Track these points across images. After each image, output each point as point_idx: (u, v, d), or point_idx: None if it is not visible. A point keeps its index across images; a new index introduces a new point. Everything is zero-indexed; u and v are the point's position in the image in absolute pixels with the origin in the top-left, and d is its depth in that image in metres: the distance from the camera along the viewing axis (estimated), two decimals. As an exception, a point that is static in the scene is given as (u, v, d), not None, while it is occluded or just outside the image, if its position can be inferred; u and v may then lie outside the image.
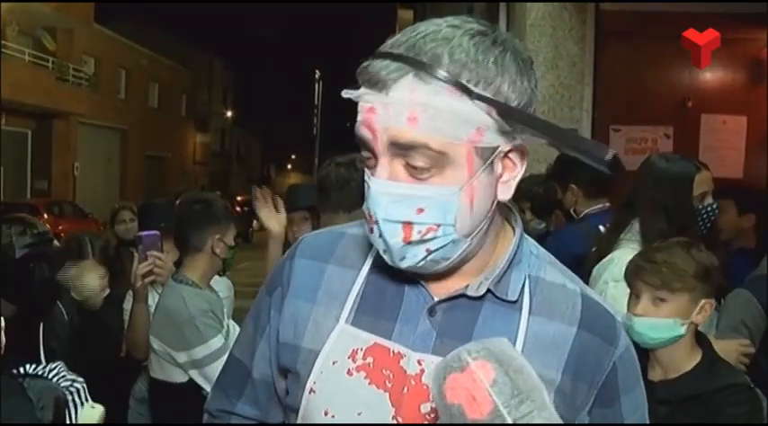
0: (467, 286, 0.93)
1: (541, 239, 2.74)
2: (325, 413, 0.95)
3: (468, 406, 0.74)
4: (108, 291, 2.99)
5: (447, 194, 0.85)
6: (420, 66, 0.83)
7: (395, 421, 0.93)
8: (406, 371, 0.92)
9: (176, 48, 35.66)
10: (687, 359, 1.72)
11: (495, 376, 0.75)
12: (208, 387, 2.27)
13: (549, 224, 3.50)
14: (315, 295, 1.02)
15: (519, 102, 0.86)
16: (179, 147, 35.73)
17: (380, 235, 0.88)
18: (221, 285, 2.72)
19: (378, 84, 0.85)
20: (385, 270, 0.97)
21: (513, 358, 0.78)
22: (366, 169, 0.91)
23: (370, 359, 0.94)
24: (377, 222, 0.88)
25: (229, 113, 45.89)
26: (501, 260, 0.95)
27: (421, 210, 0.86)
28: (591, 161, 0.80)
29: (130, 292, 2.79)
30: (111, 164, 27.73)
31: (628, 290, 1.89)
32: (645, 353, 1.71)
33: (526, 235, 1.01)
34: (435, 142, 0.83)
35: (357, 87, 0.88)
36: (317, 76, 27.59)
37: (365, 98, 0.87)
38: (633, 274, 1.77)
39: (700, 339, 1.77)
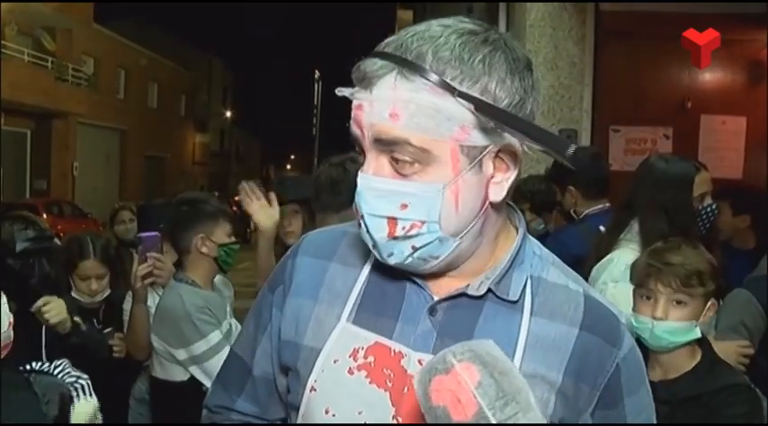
0: (467, 285, 0.93)
1: (541, 239, 2.74)
2: (326, 412, 0.96)
3: (453, 408, 0.74)
4: (109, 291, 2.99)
5: (430, 191, 0.86)
6: (403, 63, 0.84)
7: (395, 421, 0.93)
8: (406, 371, 0.92)
9: (176, 49, 35.65)
10: (687, 360, 1.72)
11: (479, 378, 0.75)
12: (208, 383, 2.28)
13: (548, 224, 3.50)
14: (317, 292, 1.02)
15: (510, 102, 0.86)
16: (178, 147, 35.73)
17: (367, 231, 0.90)
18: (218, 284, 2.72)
19: (364, 82, 0.87)
20: (387, 269, 0.97)
21: (499, 360, 0.77)
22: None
23: (371, 358, 0.94)
24: (363, 217, 0.89)
25: (229, 113, 45.87)
26: (502, 260, 0.94)
27: (405, 206, 0.86)
28: (555, 155, 0.81)
29: (130, 293, 2.79)
30: (110, 164, 27.72)
31: (628, 291, 1.89)
32: (644, 353, 1.70)
33: (530, 236, 1.01)
34: (416, 138, 0.84)
35: (353, 86, 0.90)
36: (316, 77, 27.58)
37: (355, 96, 0.88)
38: (646, 276, 1.73)
39: (699, 339, 1.77)
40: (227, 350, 2.30)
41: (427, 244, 0.88)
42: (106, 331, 2.92)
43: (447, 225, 0.87)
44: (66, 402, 1.49)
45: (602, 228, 2.53)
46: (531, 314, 0.93)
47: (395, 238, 0.88)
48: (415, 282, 0.96)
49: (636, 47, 4.36)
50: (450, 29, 0.86)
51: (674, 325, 1.68)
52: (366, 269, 1.01)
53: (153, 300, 2.64)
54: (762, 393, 1.76)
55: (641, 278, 1.75)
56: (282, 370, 1.05)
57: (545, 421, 0.78)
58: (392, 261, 0.90)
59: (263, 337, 1.09)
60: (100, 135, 26.47)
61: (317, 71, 27.66)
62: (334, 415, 0.95)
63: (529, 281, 0.95)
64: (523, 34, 4.13)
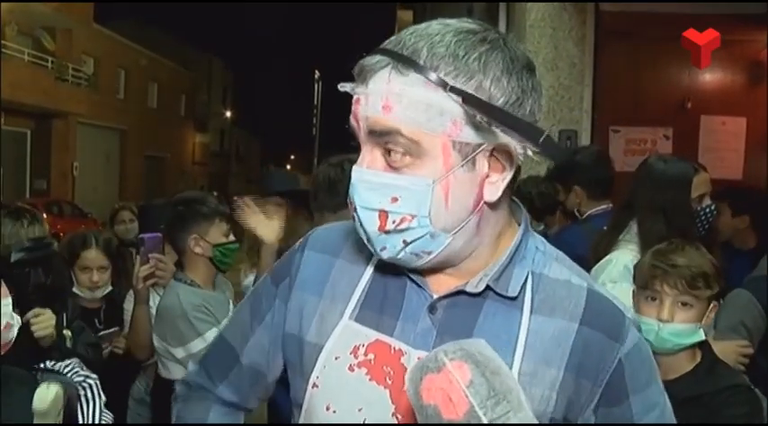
0: (466, 283, 0.93)
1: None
2: (327, 408, 0.96)
3: (444, 407, 0.75)
4: (110, 288, 3.00)
5: (420, 185, 0.86)
6: (398, 58, 0.86)
7: (394, 419, 0.93)
8: (406, 368, 0.92)
9: (176, 49, 35.64)
10: (687, 361, 1.72)
11: (471, 376, 0.75)
12: None
13: (548, 225, 3.49)
14: (322, 288, 1.03)
15: (506, 100, 0.86)
16: (178, 147, 35.72)
17: (360, 224, 0.90)
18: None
19: (362, 76, 0.89)
20: (389, 267, 0.98)
21: (490, 359, 0.77)
22: None
23: (371, 356, 0.95)
24: (356, 209, 0.90)
25: (228, 113, 45.87)
26: (502, 256, 0.94)
27: (395, 200, 0.87)
28: (528, 143, 0.82)
29: (131, 292, 2.80)
30: (110, 164, 27.72)
31: (627, 291, 1.89)
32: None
33: (533, 232, 1.01)
34: (407, 129, 0.85)
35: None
36: (316, 77, 27.58)
37: (355, 91, 0.90)
38: (652, 277, 1.72)
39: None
40: None
41: (418, 239, 0.88)
42: (110, 331, 2.91)
43: (437, 220, 0.88)
44: (72, 400, 1.49)
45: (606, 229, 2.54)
46: (532, 311, 0.93)
47: (386, 232, 0.88)
48: (414, 281, 0.96)
49: (636, 47, 4.36)
50: (449, 27, 0.87)
51: (679, 328, 1.67)
52: (370, 267, 1.01)
53: (153, 301, 2.65)
54: (761, 393, 1.76)
55: (646, 279, 1.73)
56: (285, 364, 1.07)
57: (536, 421, 0.78)
58: (385, 255, 0.91)
59: (258, 327, 1.09)
60: (100, 135, 26.47)
61: (317, 71, 27.66)
62: (334, 412, 0.96)
63: (530, 278, 0.95)
64: (523, 35, 4.13)
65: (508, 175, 0.90)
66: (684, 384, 1.68)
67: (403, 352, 0.94)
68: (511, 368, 0.88)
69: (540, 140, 0.80)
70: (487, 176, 0.89)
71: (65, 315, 2.66)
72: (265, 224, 2.48)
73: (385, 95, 0.86)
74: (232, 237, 2.50)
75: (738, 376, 1.78)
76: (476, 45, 0.86)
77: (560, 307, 0.93)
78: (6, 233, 2.42)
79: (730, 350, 2.04)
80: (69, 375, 1.57)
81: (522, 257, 0.96)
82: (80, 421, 1.54)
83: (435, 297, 0.95)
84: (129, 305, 2.88)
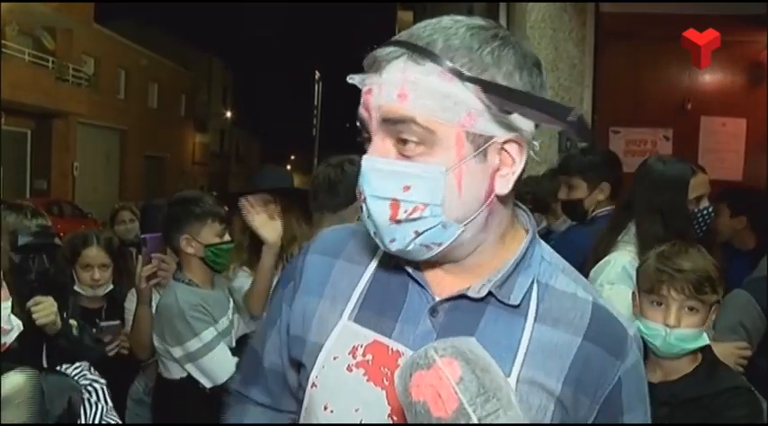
0: (469, 287, 0.93)
1: (545, 239, 2.71)
2: (325, 408, 0.97)
3: (433, 404, 0.74)
4: (111, 287, 3.00)
5: (433, 173, 0.86)
6: (414, 48, 0.86)
7: (390, 420, 0.93)
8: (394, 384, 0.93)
9: (176, 49, 35.62)
10: (688, 362, 1.71)
11: (461, 373, 0.74)
12: (204, 381, 2.30)
13: (549, 221, 3.47)
14: (323, 289, 1.03)
15: None
16: (178, 148, 35.70)
17: (369, 215, 0.89)
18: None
19: (374, 66, 0.89)
20: (391, 268, 0.98)
21: (480, 356, 0.77)
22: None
23: (369, 356, 0.95)
24: (365, 199, 0.89)
25: (229, 114, 45.84)
26: (507, 262, 0.94)
27: (407, 188, 0.86)
28: (560, 124, 0.80)
29: (132, 292, 2.81)
30: (110, 165, 27.71)
31: (624, 293, 1.89)
32: (644, 353, 1.70)
33: (542, 241, 1.00)
34: (422, 118, 0.85)
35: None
36: (316, 77, 27.57)
37: (365, 82, 0.90)
38: (658, 283, 1.70)
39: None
40: (221, 348, 2.34)
41: (430, 229, 0.88)
42: (111, 323, 2.91)
43: (450, 209, 0.87)
44: (75, 403, 1.50)
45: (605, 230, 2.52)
46: (535, 320, 0.92)
47: (397, 221, 0.87)
48: (417, 282, 0.96)
49: (636, 48, 4.36)
50: (461, 22, 0.88)
51: (686, 332, 1.67)
52: (371, 267, 1.02)
53: (154, 301, 2.65)
54: (760, 393, 1.76)
55: (652, 283, 1.72)
56: (293, 365, 1.07)
57: (525, 421, 0.77)
58: (394, 247, 0.90)
59: (272, 331, 1.12)
60: (100, 135, 26.46)
61: (317, 72, 27.63)
62: (332, 411, 0.96)
63: (535, 287, 0.94)
64: (523, 36, 4.13)
65: (518, 169, 0.90)
66: (685, 385, 1.68)
67: (400, 354, 0.93)
68: (510, 374, 0.88)
69: (570, 117, 0.77)
70: (498, 169, 0.90)
71: (66, 313, 2.67)
72: (268, 224, 2.47)
73: (400, 84, 0.86)
74: (227, 238, 2.49)
75: (739, 377, 1.78)
76: (489, 40, 0.87)
77: (564, 319, 0.92)
78: (11, 222, 2.43)
79: (729, 352, 2.04)
80: (77, 378, 1.57)
81: (527, 266, 0.95)
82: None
83: (437, 299, 0.94)
84: (130, 304, 2.88)
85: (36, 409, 1.41)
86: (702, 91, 4.43)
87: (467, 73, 0.85)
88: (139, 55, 29.70)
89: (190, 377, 2.33)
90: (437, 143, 0.86)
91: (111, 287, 3.01)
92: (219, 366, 2.29)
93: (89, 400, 1.55)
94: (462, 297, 0.93)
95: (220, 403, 2.26)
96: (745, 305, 2.30)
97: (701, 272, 1.67)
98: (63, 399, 1.47)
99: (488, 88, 0.84)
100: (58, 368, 1.58)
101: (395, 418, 0.92)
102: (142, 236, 2.71)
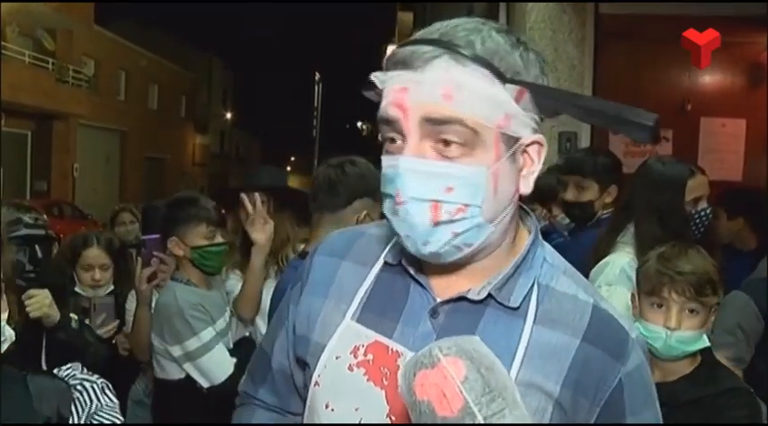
0: (469, 290, 0.93)
1: (547, 237, 2.69)
2: (326, 407, 0.98)
3: (438, 403, 0.74)
4: (112, 287, 3.01)
5: (476, 173, 0.86)
6: (455, 48, 0.85)
7: (389, 420, 0.93)
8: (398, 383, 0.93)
9: (176, 50, 35.64)
10: (686, 363, 1.71)
11: (466, 372, 0.74)
12: (202, 381, 2.30)
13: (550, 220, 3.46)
14: (328, 290, 1.04)
15: None
16: (178, 149, 35.71)
17: (407, 217, 0.87)
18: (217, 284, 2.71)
19: (411, 65, 0.87)
20: (395, 269, 0.98)
21: (485, 355, 0.77)
22: (386, 154, 0.91)
23: (370, 356, 0.96)
24: (404, 202, 0.87)
25: (229, 115, 45.86)
26: (508, 265, 0.94)
27: (450, 189, 0.86)
28: (632, 130, 0.80)
29: (132, 293, 2.81)
30: (110, 166, 27.71)
31: (623, 294, 1.88)
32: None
33: (544, 242, 1.00)
34: (470, 119, 0.85)
35: (368, 84, 0.92)
36: (316, 78, 27.58)
37: (396, 79, 0.88)
38: (659, 285, 1.69)
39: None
40: (219, 348, 2.34)
41: (468, 230, 0.88)
42: (108, 301, 2.91)
43: (487, 210, 0.88)
44: (64, 403, 1.49)
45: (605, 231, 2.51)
46: (534, 322, 0.92)
47: (437, 224, 0.87)
48: (419, 284, 0.96)
49: (635, 49, 4.36)
50: (487, 25, 0.89)
51: (686, 335, 1.66)
52: (376, 268, 1.02)
53: (153, 302, 2.65)
54: (758, 395, 1.75)
55: (653, 285, 1.71)
56: (300, 364, 1.08)
57: (530, 420, 0.77)
58: (427, 250, 0.88)
59: (280, 331, 1.13)
60: (100, 136, 26.46)
61: (317, 73, 27.64)
62: (333, 410, 0.97)
63: (536, 289, 0.94)
64: (517, 34, 4.13)
65: (537, 169, 0.92)
66: (684, 386, 1.68)
67: (400, 354, 0.94)
68: None
69: (651, 124, 0.78)
70: (521, 170, 0.91)
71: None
72: (260, 225, 2.46)
73: (445, 84, 0.85)
74: (218, 239, 2.47)
75: (738, 379, 1.78)
76: (516, 44, 0.89)
77: (564, 321, 0.92)
78: (10, 218, 2.43)
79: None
80: (67, 378, 1.57)
81: (528, 267, 0.95)
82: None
83: (438, 301, 0.95)
84: (130, 305, 2.89)
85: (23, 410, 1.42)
86: (702, 92, 4.42)
87: (505, 75, 0.86)
88: (140, 56, 29.71)
89: (188, 378, 2.33)
90: (479, 144, 0.86)
91: (112, 287, 3.01)
92: (218, 366, 2.29)
93: (79, 400, 1.54)
94: (463, 299, 0.93)
95: (218, 404, 2.27)
96: (743, 306, 2.30)
97: (702, 274, 1.67)
98: (51, 400, 1.47)
99: (534, 89, 0.87)
100: (58, 372, 1.58)
101: (393, 418, 0.93)
102: (142, 238, 2.72)
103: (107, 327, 2.79)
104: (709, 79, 4.42)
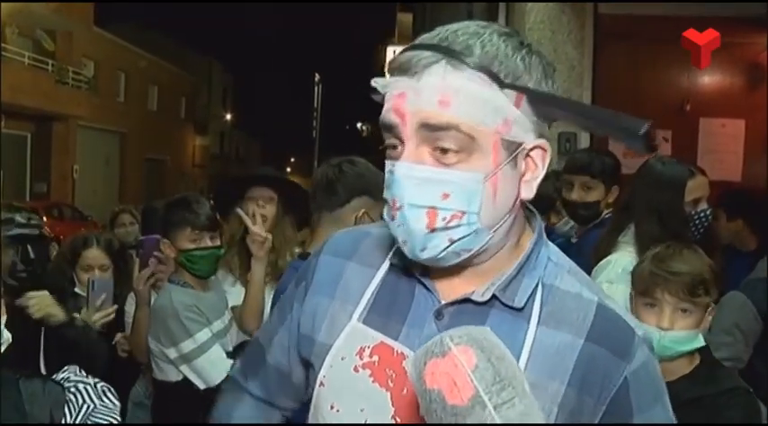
0: (473, 291, 0.93)
1: (566, 244, 2.68)
2: (331, 407, 0.98)
3: (449, 392, 0.73)
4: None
5: (472, 180, 0.86)
6: (453, 53, 0.85)
7: (393, 421, 0.93)
8: (407, 372, 0.93)
9: (176, 51, 35.66)
10: (685, 363, 1.71)
11: (476, 361, 0.74)
12: (198, 382, 2.30)
13: (551, 223, 3.46)
14: (334, 290, 1.04)
15: None
16: (178, 150, 35.72)
17: (403, 223, 0.88)
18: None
19: (409, 71, 0.87)
20: (400, 270, 0.99)
21: (496, 345, 0.77)
22: (388, 160, 0.91)
23: (375, 358, 0.96)
24: (401, 207, 0.88)
25: (229, 116, 45.89)
26: (512, 266, 0.94)
27: (446, 196, 0.86)
28: (624, 137, 0.80)
29: (132, 295, 2.80)
30: (110, 167, 27.71)
31: (623, 292, 1.88)
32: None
33: (549, 242, 1.00)
34: (465, 125, 0.85)
35: (368, 87, 0.92)
36: (316, 80, 27.60)
37: (395, 85, 0.88)
38: (653, 285, 1.70)
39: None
40: (215, 350, 2.33)
41: (465, 237, 0.88)
42: (109, 310, 2.90)
43: (485, 216, 0.87)
44: (57, 406, 1.50)
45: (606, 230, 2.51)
46: (539, 322, 0.91)
47: (433, 230, 0.87)
48: (424, 286, 0.97)
49: (635, 49, 4.37)
50: (489, 28, 0.88)
51: (680, 335, 1.66)
52: (382, 270, 1.02)
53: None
54: (758, 394, 1.75)
55: (646, 286, 1.72)
56: (304, 365, 1.08)
57: (539, 410, 0.77)
58: (425, 255, 0.89)
59: (281, 328, 1.13)
60: (100, 138, 26.47)
61: (316, 74, 27.64)
62: (338, 411, 0.97)
63: (540, 289, 0.94)
64: (522, 37, 4.14)
65: (540, 174, 0.91)
66: (684, 386, 1.68)
67: (405, 356, 0.94)
68: None
69: (643, 131, 0.77)
70: (523, 175, 0.91)
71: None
72: (259, 243, 2.43)
73: (441, 90, 0.85)
74: (207, 243, 2.45)
75: (738, 379, 1.77)
76: (518, 47, 0.88)
77: (568, 321, 0.92)
78: (4, 219, 2.43)
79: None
80: (61, 381, 1.57)
81: (532, 267, 0.95)
82: None
83: (443, 303, 0.95)
84: (130, 307, 2.88)
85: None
86: (701, 92, 4.43)
87: (504, 80, 0.85)
88: (139, 58, 29.72)
89: (186, 379, 2.33)
90: (476, 150, 0.86)
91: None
92: (214, 367, 2.29)
93: (74, 402, 1.55)
94: (467, 300, 0.93)
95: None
96: (741, 306, 2.31)
97: (695, 275, 1.67)
98: (43, 403, 1.47)
99: (532, 95, 0.86)
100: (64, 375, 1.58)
101: (398, 419, 0.93)
102: (140, 239, 2.72)
103: (106, 311, 2.73)
104: (709, 80, 4.43)
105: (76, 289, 2.93)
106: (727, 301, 2.26)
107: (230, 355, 2.39)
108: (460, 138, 0.85)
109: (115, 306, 2.79)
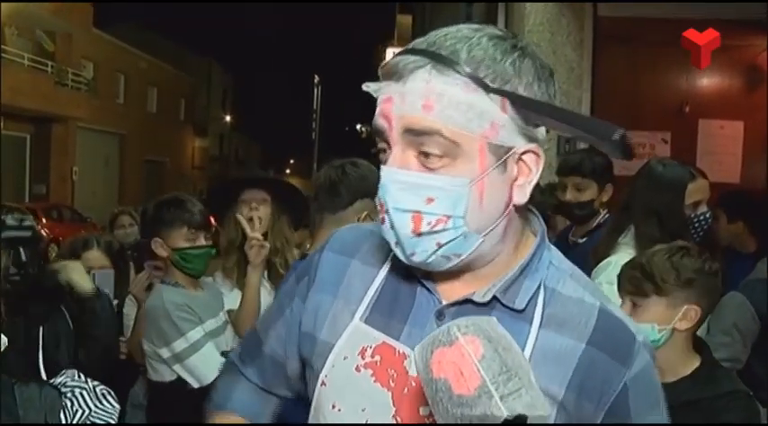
0: (474, 292, 0.93)
1: (571, 248, 2.69)
2: (333, 407, 0.98)
3: (455, 381, 0.74)
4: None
5: (457, 185, 0.86)
6: (438, 58, 0.85)
7: (394, 421, 0.94)
8: (408, 372, 0.93)
9: (175, 53, 35.68)
10: (683, 364, 1.71)
11: (483, 351, 0.74)
12: (192, 381, 2.30)
13: (552, 228, 3.45)
14: (336, 289, 1.04)
15: None
16: (178, 152, 35.73)
17: (391, 226, 0.89)
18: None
19: (395, 75, 0.88)
20: (402, 270, 0.98)
21: (502, 335, 0.77)
22: (381, 163, 0.92)
23: (377, 358, 0.96)
24: (387, 211, 0.89)
25: (228, 118, 45.91)
26: (515, 267, 0.94)
27: (431, 200, 0.86)
28: (600, 142, 0.80)
29: (130, 297, 2.81)
30: (109, 169, 27.72)
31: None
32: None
33: (551, 246, 1.00)
34: (448, 130, 0.85)
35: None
36: (315, 81, 27.61)
37: (383, 90, 0.89)
38: (619, 279, 1.78)
39: (700, 345, 1.76)
40: (208, 348, 2.33)
41: (452, 241, 0.88)
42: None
43: (472, 220, 0.87)
44: (54, 412, 1.51)
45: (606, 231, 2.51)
46: (540, 325, 0.92)
47: (419, 234, 0.87)
48: (425, 286, 0.97)
49: (634, 51, 4.37)
50: (481, 32, 0.88)
51: None
52: (384, 269, 1.02)
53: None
54: (755, 394, 1.75)
55: (618, 281, 1.80)
56: (301, 361, 1.08)
57: (545, 401, 0.77)
58: (415, 259, 0.90)
59: (278, 321, 1.13)
60: (99, 139, 26.47)
61: (316, 76, 27.66)
62: (339, 410, 0.98)
63: (542, 292, 0.94)
64: (522, 39, 4.14)
65: (534, 178, 0.91)
66: (683, 388, 1.67)
67: (406, 356, 0.94)
68: None
69: (617, 136, 0.78)
70: (515, 179, 0.90)
71: (67, 316, 2.67)
72: (256, 249, 2.44)
73: (425, 94, 0.85)
74: (201, 242, 2.46)
75: (738, 381, 1.76)
76: (509, 50, 0.87)
77: (569, 325, 0.92)
78: None
79: None
80: (59, 386, 1.58)
81: (534, 270, 0.95)
82: None
83: (444, 303, 0.95)
84: (129, 310, 2.89)
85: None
86: (700, 94, 4.44)
87: (491, 84, 0.85)
88: (139, 59, 29.73)
89: (180, 379, 2.33)
90: (460, 155, 0.85)
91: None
92: (207, 366, 2.29)
93: (69, 408, 1.55)
94: (468, 301, 0.93)
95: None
96: (740, 307, 2.31)
97: (647, 268, 1.70)
98: (38, 408, 1.48)
99: (516, 100, 0.85)
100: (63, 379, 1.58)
101: (399, 419, 0.94)
102: (139, 240, 2.72)
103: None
104: (708, 81, 4.43)
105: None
106: (726, 301, 2.26)
107: (225, 354, 2.39)
108: (444, 143, 0.85)
109: (115, 302, 2.80)
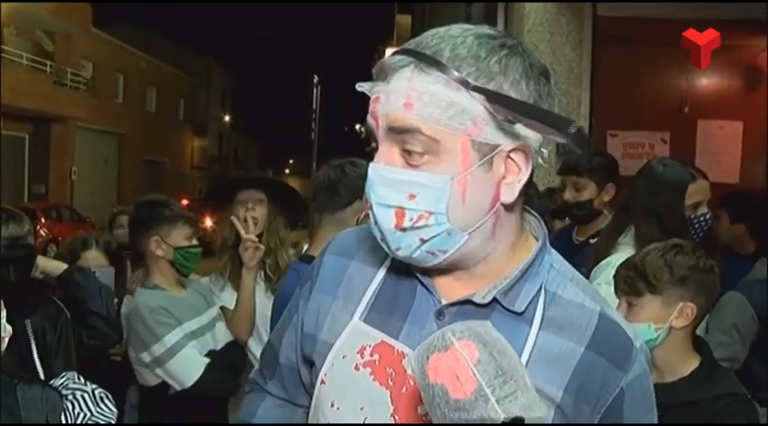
0: (475, 293, 0.93)
1: (574, 249, 2.68)
2: (332, 405, 0.99)
3: (452, 386, 0.74)
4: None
5: (438, 181, 0.87)
6: (421, 57, 0.86)
7: (393, 420, 0.94)
8: (406, 371, 0.93)
9: (174, 53, 35.66)
10: (682, 364, 1.70)
11: (479, 355, 0.75)
12: (173, 384, 2.30)
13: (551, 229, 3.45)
14: (336, 289, 1.06)
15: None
16: (177, 152, 35.71)
17: (375, 222, 0.91)
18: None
19: (382, 75, 0.90)
20: (402, 270, 0.99)
21: (497, 339, 0.78)
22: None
23: (376, 356, 0.97)
24: (372, 207, 0.90)
25: (227, 118, 45.89)
26: (515, 269, 0.94)
27: (413, 197, 0.87)
28: (556, 134, 0.81)
29: (128, 298, 2.80)
30: (108, 169, 27.70)
31: None
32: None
33: (552, 249, 1.00)
34: (428, 128, 0.86)
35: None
36: (315, 81, 27.60)
37: (373, 89, 0.91)
38: (614, 279, 1.79)
39: (700, 345, 1.76)
40: (187, 351, 2.33)
41: (435, 236, 0.89)
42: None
43: (454, 217, 0.88)
44: (55, 414, 1.51)
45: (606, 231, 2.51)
46: (540, 327, 0.92)
47: (402, 229, 0.89)
48: (425, 286, 0.97)
49: (633, 51, 4.38)
50: (469, 31, 0.89)
51: None
52: (383, 269, 1.03)
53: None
54: (754, 395, 1.75)
55: (614, 280, 1.80)
56: (306, 362, 1.09)
57: (540, 403, 0.78)
58: (400, 254, 0.91)
59: (288, 328, 1.15)
60: (98, 139, 26.46)
61: (315, 76, 27.66)
62: (338, 409, 0.98)
63: (542, 295, 0.94)
64: (521, 39, 4.14)
65: (524, 177, 0.91)
66: (682, 388, 1.67)
67: (405, 355, 0.95)
68: None
69: (570, 129, 0.80)
70: (503, 178, 0.90)
71: (66, 317, 2.67)
72: (251, 251, 2.45)
73: (407, 93, 0.86)
74: (195, 242, 2.48)
75: (737, 383, 1.75)
76: (496, 49, 0.87)
77: (569, 328, 0.92)
78: None
79: None
80: (60, 388, 1.58)
81: (535, 273, 0.95)
82: None
83: (444, 303, 0.95)
84: (126, 309, 2.88)
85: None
86: (700, 94, 4.44)
87: (473, 82, 0.85)
88: (138, 59, 29.71)
89: (165, 382, 2.33)
90: (443, 151, 0.86)
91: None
92: (185, 368, 2.29)
93: (70, 410, 1.55)
94: (468, 302, 0.94)
95: (197, 405, 2.25)
96: (739, 306, 2.31)
97: (640, 267, 1.70)
98: (40, 410, 1.48)
99: (492, 98, 0.84)
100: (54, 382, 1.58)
101: (397, 417, 0.94)
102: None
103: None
104: (707, 81, 4.44)
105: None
106: (725, 301, 2.26)
107: (217, 355, 2.39)
108: (424, 141, 0.86)
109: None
